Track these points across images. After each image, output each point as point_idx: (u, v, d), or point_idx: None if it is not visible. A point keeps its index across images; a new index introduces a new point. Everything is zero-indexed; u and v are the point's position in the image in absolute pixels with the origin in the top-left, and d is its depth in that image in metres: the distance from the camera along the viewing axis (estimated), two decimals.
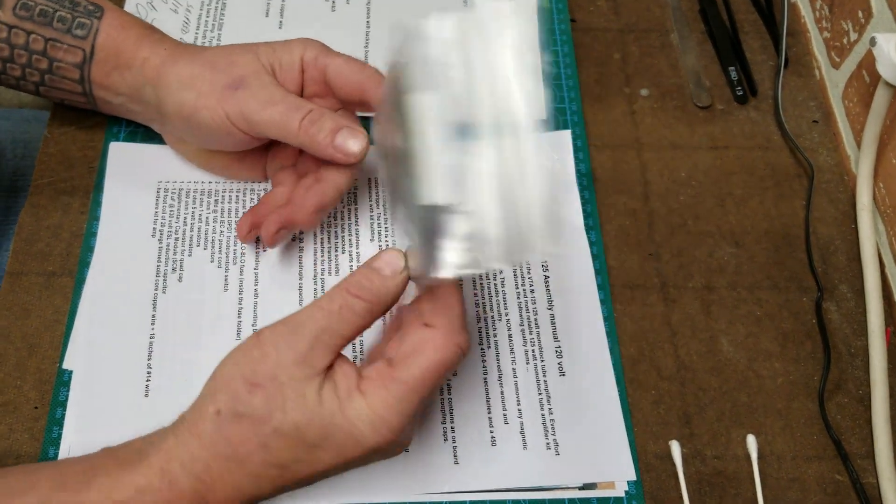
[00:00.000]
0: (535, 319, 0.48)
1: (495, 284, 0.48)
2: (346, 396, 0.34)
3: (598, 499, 0.43)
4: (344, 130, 0.42)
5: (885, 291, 0.50)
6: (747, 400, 0.47)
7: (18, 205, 0.53)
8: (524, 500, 0.43)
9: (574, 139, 0.54)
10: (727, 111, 0.57)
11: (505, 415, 0.45)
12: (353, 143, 0.42)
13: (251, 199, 0.50)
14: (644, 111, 0.57)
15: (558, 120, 0.55)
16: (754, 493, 0.44)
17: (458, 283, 0.37)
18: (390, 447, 0.35)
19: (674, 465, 0.45)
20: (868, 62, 0.53)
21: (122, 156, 0.51)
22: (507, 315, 0.48)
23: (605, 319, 0.48)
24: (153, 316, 0.46)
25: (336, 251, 0.49)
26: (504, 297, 0.48)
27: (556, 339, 0.47)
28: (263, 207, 0.46)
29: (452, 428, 0.44)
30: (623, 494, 0.43)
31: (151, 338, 0.46)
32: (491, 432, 0.44)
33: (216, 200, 0.50)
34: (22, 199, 0.50)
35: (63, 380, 0.44)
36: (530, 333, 0.47)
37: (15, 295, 0.47)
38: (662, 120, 0.56)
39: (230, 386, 0.34)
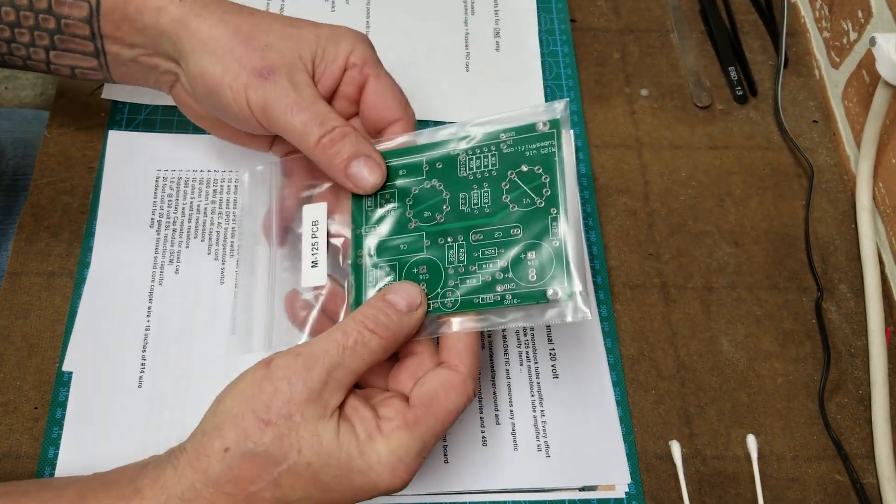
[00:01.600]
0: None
1: None
2: (367, 439, 0.34)
3: (598, 500, 0.43)
4: (361, 160, 0.40)
5: (885, 291, 0.50)
6: (747, 400, 0.47)
7: (19, 204, 0.53)
8: (524, 501, 0.43)
9: (574, 139, 0.54)
10: (727, 111, 0.57)
11: (497, 415, 0.45)
12: (367, 174, 0.40)
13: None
14: (644, 111, 0.57)
15: None
16: (754, 494, 0.44)
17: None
18: (401, 488, 0.35)
19: (674, 465, 0.45)
20: (868, 62, 0.53)
21: (121, 144, 0.51)
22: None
23: (605, 319, 0.48)
24: (149, 308, 0.46)
25: None
26: None
27: (550, 341, 0.47)
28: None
29: None
30: (623, 495, 0.43)
31: (147, 329, 0.46)
32: (482, 432, 0.44)
33: (215, 190, 0.50)
34: (22, 198, 0.50)
35: (63, 380, 0.44)
36: (525, 335, 0.47)
37: (15, 295, 0.47)
38: (662, 120, 0.56)
39: (240, 422, 0.33)
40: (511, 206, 0.38)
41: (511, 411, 0.45)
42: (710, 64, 0.59)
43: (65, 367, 0.44)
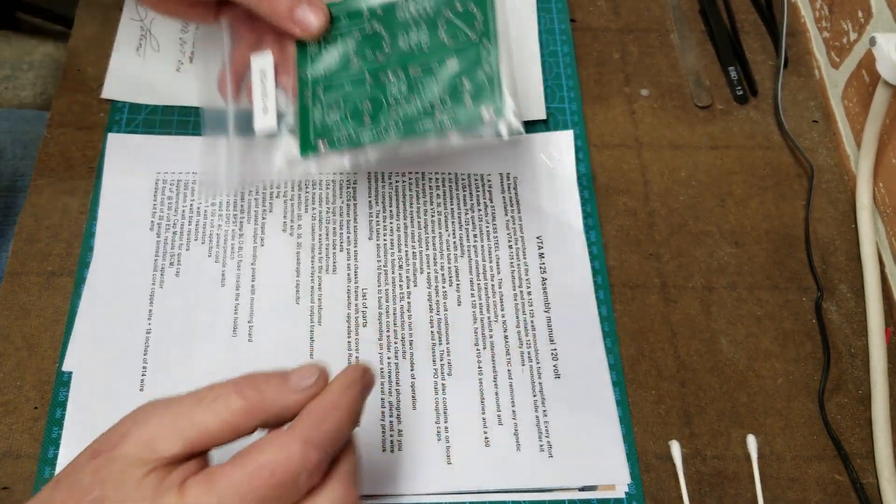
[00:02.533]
0: (532, 322, 0.48)
1: (493, 285, 0.48)
2: (165, 490, 0.29)
3: (598, 500, 0.43)
4: (304, 4, 0.42)
5: (885, 291, 0.50)
6: (747, 400, 0.47)
7: (18, 205, 0.53)
8: (524, 501, 0.43)
9: (574, 139, 0.54)
10: (727, 111, 0.57)
11: (499, 416, 0.45)
12: (312, 17, 0.42)
13: (248, 190, 0.50)
14: (644, 111, 0.57)
15: (558, 120, 0.55)
16: (754, 494, 0.44)
17: (354, 417, 0.32)
18: None
19: (674, 465, 0.45)
20: (868, 62, 0.53)
21: (120, 147, 0.51)
22: (503, 316, 0.48)
23: (605, 319, 0.48)
24: (150, 311, 0.46)
25: (334, 248, 0.49)
26: (501, 298, 0.48)
27: (552, 341, 0.47)
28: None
29: (446, 427, 0.44)
30: (623, 495, 0.43)
31: (148, 333, 0.46)
32: (484, 433, 0.44)
33: (214, 193, 0.50)
34: (22, 199, 0.50)
35: (63, 380, 0.44)
36: (526, 335, 0.47)
37: (15, 295, 0.47)
38: (662, 120, 0.56)
39: (106, 432, 0.31)
40: (447, 41, 0.41)
41: (513, 411, 0.45)
42: (711, 64, 0.59)
43: (64, 368, 0.44)
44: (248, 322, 0.46)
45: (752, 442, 0.45)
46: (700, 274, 0.51)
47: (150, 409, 0.31)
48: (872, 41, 0.48)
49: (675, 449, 0.45)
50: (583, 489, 0.43)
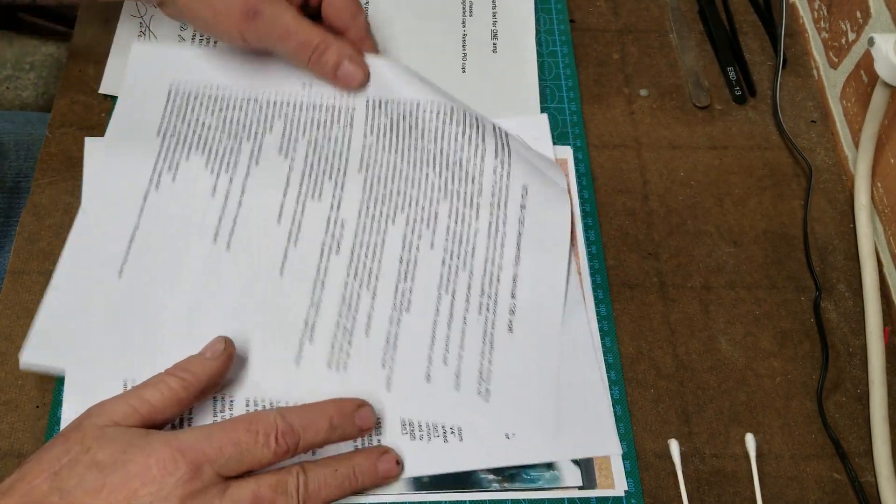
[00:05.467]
0: (499, 275, 0.48)
1: (467, 235, 0.49)
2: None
3: (598, 498, 0.43)
4: (345, 62, 0.50)
5: (883, 290, 0.50)
6: (746, 399, 0.47)
7: (21, 206, 0.53)
8: (523, 500, 0.43)
9: (573, 139, 0.54)
10: (726, 111, 0.57)
11: (445, 356, 0.46)
12: (354, 73, 0.50)
13: (254, 109, 0.52)
14: (643, 111, 0.57)
15: (558, 120, 0.55)
16: (753, 492, 0.44)
17: None
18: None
19: (673, 463, 0.45)
20: (866, 62, 0.53)
21: (142, 57, 0.54)
22: (472, 267, 0.48)
23: (604, 318, 0.48)
24: (142, 208, 0.48)
25: (323, 176, 0.50)
26: (473, 249, 0.49)
27: (513, 296, 0.48)
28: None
29: (392, 358, 0.45)
30: (622, 494, 0.44)
31: (135, 229, 0.47)
32: (428, 369, 0.45)
33: (220, 109, 0.52)
34: (24, 200, 0.50)
35: (65, 378, 0.44)
36: (489, 286, 0.48)
37: (16, 294, 0.47)
38: (661, 120, 0.57)
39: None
40: None
41: (460, 354, 0.46)
42: (709, 64, 0.59)
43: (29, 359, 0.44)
44: (229, 232, 0.48)
45: (750, 441, 0.46)
46: (699, 273, 0.51)
47: (116, 397, 0.39)
48: (871, 41, 0.48)
49: (674, 448, 0.45)
50: (582, 487, 0.43)
